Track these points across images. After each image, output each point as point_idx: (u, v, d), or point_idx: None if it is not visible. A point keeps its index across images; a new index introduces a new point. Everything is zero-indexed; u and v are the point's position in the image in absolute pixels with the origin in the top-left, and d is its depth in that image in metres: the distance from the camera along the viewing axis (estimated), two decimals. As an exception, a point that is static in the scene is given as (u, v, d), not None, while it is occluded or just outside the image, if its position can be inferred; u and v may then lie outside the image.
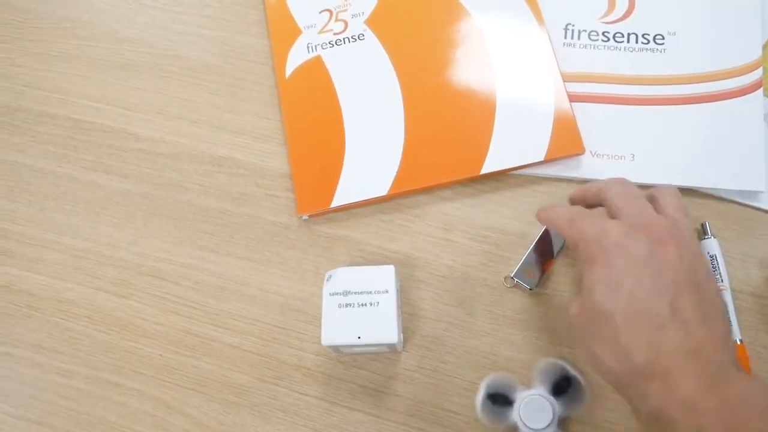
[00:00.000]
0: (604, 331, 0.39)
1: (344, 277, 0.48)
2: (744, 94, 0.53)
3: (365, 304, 0.47)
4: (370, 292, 0.47)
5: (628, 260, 0.39)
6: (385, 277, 0.48)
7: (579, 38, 0.56)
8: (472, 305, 0.51)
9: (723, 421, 0.34)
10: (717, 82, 0.53)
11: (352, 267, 0.48)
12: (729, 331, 0.40)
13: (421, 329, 0.51)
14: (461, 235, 0.53)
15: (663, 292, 0.38)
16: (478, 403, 0.47)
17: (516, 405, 0.47)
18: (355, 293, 0.47)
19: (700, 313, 0.38)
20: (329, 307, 0.47)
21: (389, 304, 0.47)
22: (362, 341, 0.46)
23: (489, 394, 0.48)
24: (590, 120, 0.54)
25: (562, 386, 0.48)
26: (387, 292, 0.47)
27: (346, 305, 0.47)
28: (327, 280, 0.48)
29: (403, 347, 0.51)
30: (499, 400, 0.48)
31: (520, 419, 0.47)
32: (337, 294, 0.47)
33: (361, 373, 0.51)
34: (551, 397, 0.47)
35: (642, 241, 0.40)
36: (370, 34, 0.57)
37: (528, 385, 0.48)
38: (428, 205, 0.54)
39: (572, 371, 0.48)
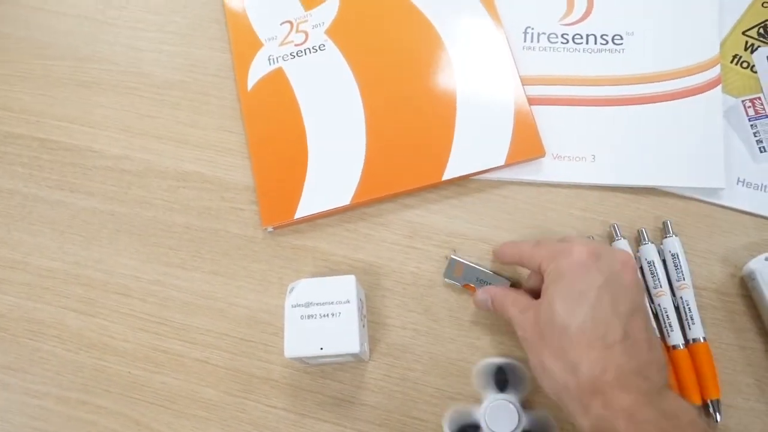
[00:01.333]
0: (556, 342, 0.40)
1: (306, 289, 0.48)
2: (703, 92, 0.53)
3: (327, 315, 0.47)
4: (332, 303, 0.47)
5: (592, 279, 0.41)
6: (346, 287, 0.48)
7: (539, 41, 0.56)
8: (437, 312, 0.52)
9: (660, 429, 0.36)
10: (676, 80, 0.53)
11: (313, 278, 0.48)
12: (665, 357, 0.43)
13: (388, 337, 0.51)
14: (425, 242, 0.53)
15: (619, 314, 0.40)
16: (486, 361, 0.49)
17: (482, 424, 0.47)
18: (316, 304, 0.47)
19: (647, 337, 0.40)
20: (291, 319, 0.47)
21: (351, 314, 0.47)
22: (325, 352, 0.46)
23: (499, 365, 0.49)
24: (551, 123, 0.54)
25: (503, 378, 0.49)
26: (348, 302, 0.47)
27: (308, 316, 0.47)
28: (289, 292, 0.48)
29: (370, 356, 0.51)
30: (500, 377, 0.48)
31: (488, 409, 0.47)
32: (299, 306, 0.47)
33: (329, 383, 0.51)
34: (502, 395, 0.48)
35: (606, 264, 0.42)
36: (330, 45, 0.57)
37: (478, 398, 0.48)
38: (392, 213, 0.54)
39: (502, 360, 0.49)
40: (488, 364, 0.49)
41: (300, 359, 0.47)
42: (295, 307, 0.47)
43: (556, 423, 0.47)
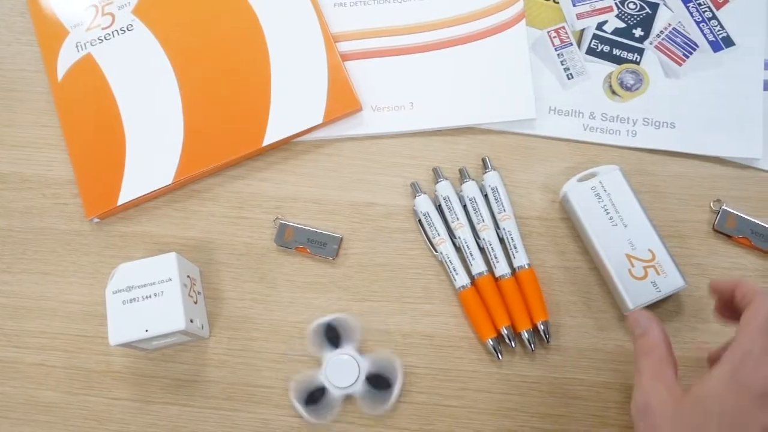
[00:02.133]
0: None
1: (126, 273, 0.46)
2: (508, 28, 0.54)
3: (150, 296, 0.46)
4: (154, 283, 0.46)
5: None
6: (167, 265, 0.46)
7: (349, -3, 0.56)
8: (273, 278, 0.51)
9: None
10: (482, 20, 0.54)
11: (133, 261, 0.47)
12: None
13: (226, 311, 0.51)
14: (255, 211, 0.53)
15: None
16: (304, 415, 0.47)
17: (327, 384, 0.47)
18: (138, 287, 0.46)
19: None
20: (113, 305, 0.46)
21: (174, 292, 0.46)
22: (151, 333, 0.45)
23: (305, 400, 0.48)
24: (368, 76, 0.54)
25: (334, 333, 0.49)
26: (170, 280, 0.46)
27: (131, 300, 0.46)
28: (110, 278, 0.46)
29: (210, 332, 0.50)
30: (317, 394, 0.48)
31: (340, 389, 0.47)
32: (120, 291, 0.46)
33: (172, 366, 0.50)
34: (337, 350, 0.48)
35: None
36: (138, 24, 0.55)
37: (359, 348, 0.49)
38: (219, 186, 0.53)
39: (329, 318, 0.49)
40: (317, 325, 0.49)
41: (129, 345, 0.46)
42: (116, 293, 0.46)
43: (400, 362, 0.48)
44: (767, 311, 0.35)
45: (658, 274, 0.46)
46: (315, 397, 0.48)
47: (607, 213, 0.47)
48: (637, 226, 0.47)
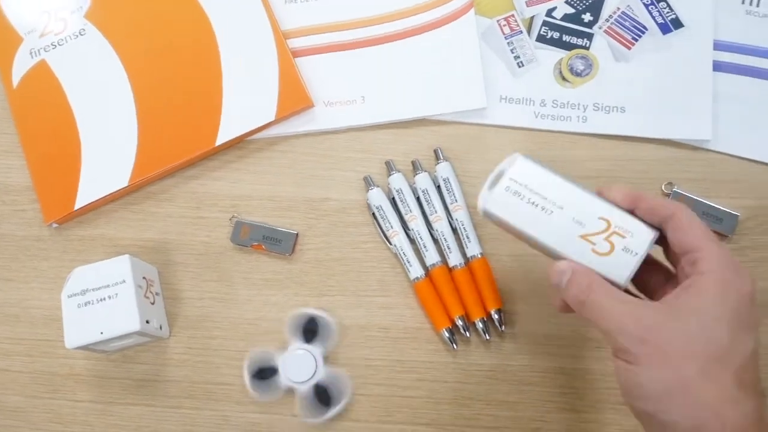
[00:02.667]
0: (718, 365, 0.33)
1: (81, 277, 0.47)
2: (457, 18, 0.54)
3: (104, 299, 0.46)
4: (108, 286, 0.47)
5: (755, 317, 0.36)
6: (120, 268, 0.47)
7: (299, -7, 0.56)
8: (230, 276, 0.52)
9: None
10: (431, 11, 0.54)
11: (87, 265, 0.47)
12: None
13: (186, 311, 0.51)
14: (212, 210, 0.53)
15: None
16: (248, 385, 0.48)
17: (280, 370, 0.48)
18: (93, 290, 0.46)
19: None
20: (69, 309, 0.46)
21: (128, 293, 0.46)
22: (106, 336, 0.45)
23: (254, 373, 0.49)
24: (320, 71, 0.54)
25: (312, 329, 0.49)
26: (124, 282, 0.47)
27: (86, 304, 0.46)
28: (65, 283, 0.47)
29: (170, 332, 0.51)
30: (266, 373, 0.49)
31: (289, 380, 0.48)
32: (75, 295, 0.47)
33: (133, 367, 0.50)
34: (306, 345, 0.48)
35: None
36: (91, 28, 0.56)
37: (285, 346, 0.49)
38: (176, 187, 0.54)
39: (315, 312, 0.49)
40: (301, 314, 0.49)
41: (87, 348, 0.47)
42: (71, 296, 0.47)
43: (353, 385, 0.48)
44: (693, 219, 0.36)
45: (624, 236, 0.39)
46: (264, 374, 0.49)
47: (536, 205, 0.40)
48: (573, 202, 0.40)
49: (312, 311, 0.49)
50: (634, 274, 0.38)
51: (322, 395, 0.48)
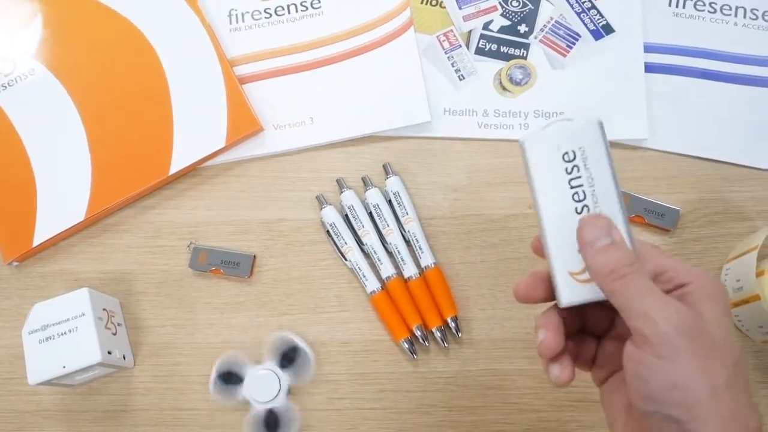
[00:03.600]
0: (720, 362, 0.31)
1: (41, 312, 0.48)
2: (397, 36, 0.56)
3: (65, 333, 0.47)
4: (68, 320, 0.47)
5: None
6: (79, 301, 0.48)
7: (244, 21, 0.57)
8: (191, 302, 0.52)
9: None
10: (371, 31, 0.56)
11: (47, 300, 0.48)
12: None
13: (149, 339, 0.52)
14: (170, 238, 0.54)
15: None
16: (211, 383, 0.49)
17: (245, 381, 0.49)
18: (53, 325, 0.47)
19: None
20: (30, 345, 0.47)
21: (88, 326, 0.47)
22: (68, 369, 0.46)
23: (220, 373, 0.50)
24: (268, 96, 0.56)
25: (291, 357, 0.50)
26: (84, 315, 0.47)
27: (47, 339, 0.47)
28: (26, 319, 0.48)
29: (135, 361, 0.51)
30: (232, 378, 0.50)
31: (249, 394, 0.48)
32: (36, 331, 0.47)
33: (100, 398, 0.51)
34: (278, 370, 0.49)
35: None
36: (40, 67, 0.56)
37: (260, 361, 0.50)
38: (133, 218, 0.55)
39: (299, 342, 0.50)
40: (286, 338, 0.50)
41: (51, 383, 0.47)
42: (32, 333, 0.47)
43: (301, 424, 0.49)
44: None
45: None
46: (229, 379, 0.50)
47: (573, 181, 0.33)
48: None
49: (298, 341, 0.50)
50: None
51: (271, 422, 0.49)
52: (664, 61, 0.55)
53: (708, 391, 0.29)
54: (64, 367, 0.46)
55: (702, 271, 0.33)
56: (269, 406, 0.49)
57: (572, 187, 0.33)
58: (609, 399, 0.35)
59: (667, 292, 0.32)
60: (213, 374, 0.50)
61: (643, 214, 0.52)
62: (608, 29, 0.55)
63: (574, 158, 0.33)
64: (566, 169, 0.33)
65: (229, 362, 0.50)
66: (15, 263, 0.54)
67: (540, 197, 0.33)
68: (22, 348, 0.51)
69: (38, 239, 0.53)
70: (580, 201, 0.33)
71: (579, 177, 0.33)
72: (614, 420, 0.34)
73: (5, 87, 0.56)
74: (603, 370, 0.36)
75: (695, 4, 0.56)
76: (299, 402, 0.49)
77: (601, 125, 0.33)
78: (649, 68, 0.55)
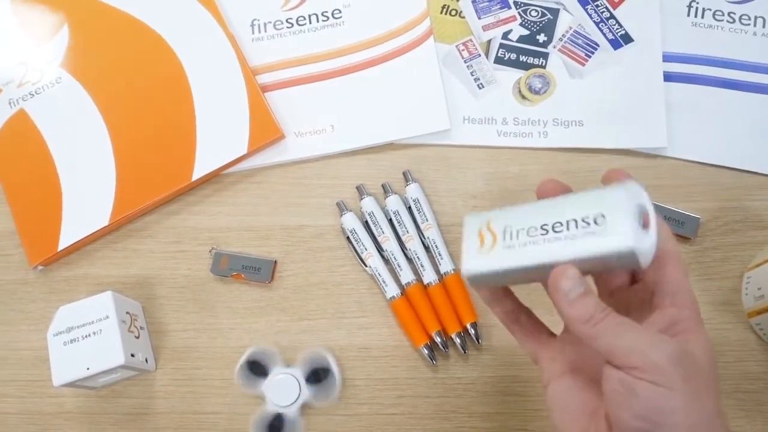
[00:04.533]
0: (714, 400, 0.32)
1: (66, 315, 0.48)
2: (417, 45, 0.56)
3: (89, 335, 0.48)
4: (92, 322, 0.48)
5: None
6: (104, 304, 0.48)
7: (266, 30, 0.58)
8: (213, 307, 0.53)
9: None
10: (392, 40, 0.57)
11: (71, 303, 0.49)
12: None
13: (171, 343, 0.52)
14: (192, 243, 0.54)
15: None
16: (237, 366, 0.50)
17: (268, 378, 0.49)
18: (77, 327, 0.48)
19: None
20: (55, 347, 0.48)
21: (112, 328, 0.48)
22: (92, 371, 0.47)
23: (249, 361, 0.50)
24: (289, 104, 0.56)
25: (319, 376, 0.50)
26: (108, 318, 0.48)
27: (71, 341, 0.48)
28: (51, 322, 0.48)
29: (156, 365, 0.52)
30: (258, 369, 0.50)
31: (268, 392, 0.49)
32: (60, 333, 0.48)
33: (122, 401, 0.51)
34: (303, 381, 0.49)
35: None
36: (66, 76, 0.58)
37: (289, 364, 0.50)
38: (156, 224, 0.55)
39: (332, 365, 0.50)
40: (322, 357, 0.50)
41: (74, 384, 0.48)
42: (57, 335, 0.48)
43: None
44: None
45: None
46: (256, 369, 0.50)
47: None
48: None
49: (332, 363, 0.50)
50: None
51: (276, 427, 0.49)
52: (682, 71, 0.55)
53: (698, 419, 0.30)
54: (87, 368, 0.47)
55: (689, 299, 0.33)
56: (281, 410, 0.49)
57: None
58: (564, 400, 0.35)
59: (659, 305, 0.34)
60: (242, 358, 0.50)
61: (665, 221, 0.52)
62: (627, 39, 0.56)
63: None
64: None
65: (262, 353, 0.50)
66: (40, 267, 0.55)
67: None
68: (46, 351, 0.52)
69: (63, 244, 0.54)
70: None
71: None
72: (571, 422, 0.35)
73: (33, 95, 0.58)
74: (557, 363, 0.36)
75: (714, 14, 0.56)
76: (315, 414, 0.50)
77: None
78: (668, 77, 0.55)
